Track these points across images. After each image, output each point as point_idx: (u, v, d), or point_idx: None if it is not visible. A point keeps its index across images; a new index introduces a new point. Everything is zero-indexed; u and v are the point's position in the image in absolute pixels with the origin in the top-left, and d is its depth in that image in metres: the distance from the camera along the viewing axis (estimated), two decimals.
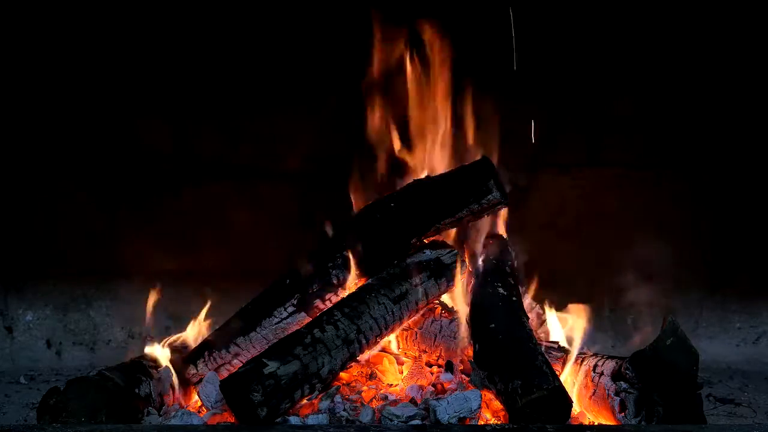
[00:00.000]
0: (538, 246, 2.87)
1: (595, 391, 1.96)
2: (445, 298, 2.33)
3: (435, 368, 2.22)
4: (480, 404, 1.88)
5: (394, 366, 2.22)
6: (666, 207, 3.08)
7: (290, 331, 2.06)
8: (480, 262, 2.38)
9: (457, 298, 2.34)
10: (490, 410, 1.96)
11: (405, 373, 2.20)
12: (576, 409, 1.99)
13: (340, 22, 2.92)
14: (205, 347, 2.20)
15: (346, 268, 2.22)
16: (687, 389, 1.81)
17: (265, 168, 3.05)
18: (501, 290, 2.20)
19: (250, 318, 2.20)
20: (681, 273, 3.02)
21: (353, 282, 2.23)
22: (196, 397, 2.13)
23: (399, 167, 2.50)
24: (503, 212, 2.44)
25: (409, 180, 2.42)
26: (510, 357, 1.93)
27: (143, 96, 2.99)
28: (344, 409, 1.94)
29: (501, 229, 2.51)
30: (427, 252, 2.23)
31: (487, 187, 2.17)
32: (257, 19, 2.95)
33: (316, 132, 2.97)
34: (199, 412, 2.05)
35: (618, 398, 1.86)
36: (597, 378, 1.96)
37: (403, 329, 2.26)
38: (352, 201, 2.45)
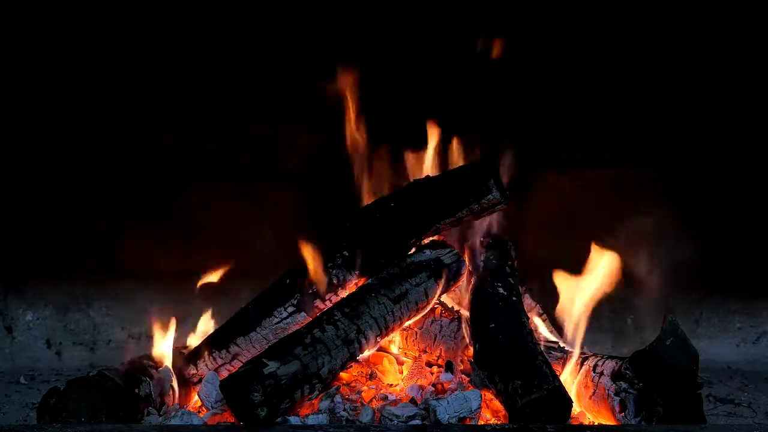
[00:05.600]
0: (538, 246, 2.88)
1: (595, 391, 1.96)
2: (445, 298, 2.33)
3: (435, 368, 2.22)
4: (480, 404, 1.88)
5: (394, 366, 2.22)
6: (666, 207, 3.07)
7: (290, 331, 2.06)
8: (480, 262, 2.38)
9: (457, 298, 2.34)
10: (490, 410, 1.96)
11: (405, 373, 2.20)
12: (576, 409, 1.99)
13: (339, 22, 2.92)
14: (205, 347, 2.20)
15: (346, 268, 2.22)
16: (687, 389, 1.82)
17: (266, 168, 3.05)
18: (501, 290, 2.20)
19: (250, 318, 2.20)
20: (681, 273, 3.02)
21: (353, 282, 2.23)
22: (196, 397, 2.13)
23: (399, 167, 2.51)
24: (503, 212, 2.44)
25: (409, 180, 2.42)
26: (510, 357, 1.93)
27: (144, 96, 2.99)
28: (344, 409, 1.94)
29: (501, 229, 2.51)
30: (427, 252, 2.24)
31: (487, 186, 2.18)
32: (257, 20, 2.95)
33: (316, 132, 2.97)
34: (199, 412, 2.05)
35: (618, 398, 1.86)
36: (597, 378, 1.96)
37: (403, 329, 2.26)
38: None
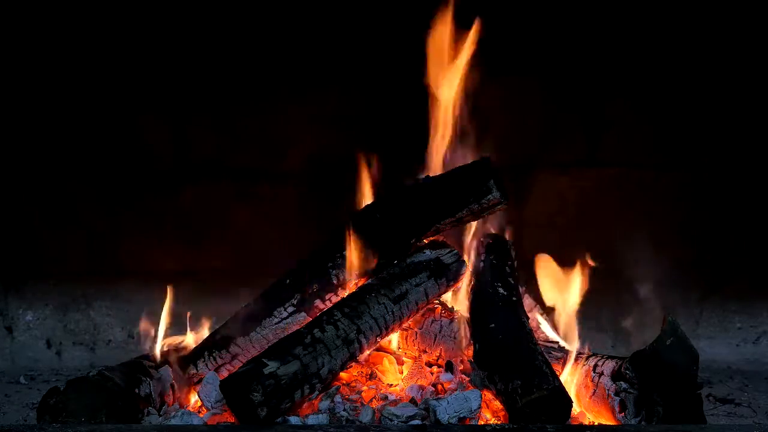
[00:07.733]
0: (538, 246, 2.88)
1: (595, 391, 1.96)
2: (445, 298, 2.33)
3: (435, 368, 2.22)
4: (480, 404, 1.88)
5: (394, 366, 2.22)
6: (666, 206, 3.07)
7: (290, 331, 2.06)
8: (480, 262, 2.37)
9: (457, 298, 2.34)
10: (490, 410, 1.96)
11: (405, 373, 2.20)
12: (576, 409, 1.99)
13: (339, 20, 2.92)
14: (205, 347, 2.20)
15: (346, 268, 2.22)
16: (687, 389, 1.81)
17: (266, 168, 3.05)
18: (501, 290, 2.20)
19: (250, 318, 2.20)
20: (681, 273, 3.02)
21: (353, 282, 2.23)
22: (196, 397, 2.13)
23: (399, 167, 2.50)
24: (503, 212, 2.43)
25: (409, 180, 2.41)
26: (510, 357, 1.93)
27: (144, 96, 2.99)
28: (344, 409, 1.94)
29: (501, 229, 2.50)
30: (427, 252, 2.23)
31: (488, 186, 2.17)
32: (257, 17, 2.95)
33: (316, 132, 2.97)
34: (199, 412, 2.05)
35: (618, 398, 1.86)
36: (597, 378, 1.96)
37: (403, 329, 2.26)
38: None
